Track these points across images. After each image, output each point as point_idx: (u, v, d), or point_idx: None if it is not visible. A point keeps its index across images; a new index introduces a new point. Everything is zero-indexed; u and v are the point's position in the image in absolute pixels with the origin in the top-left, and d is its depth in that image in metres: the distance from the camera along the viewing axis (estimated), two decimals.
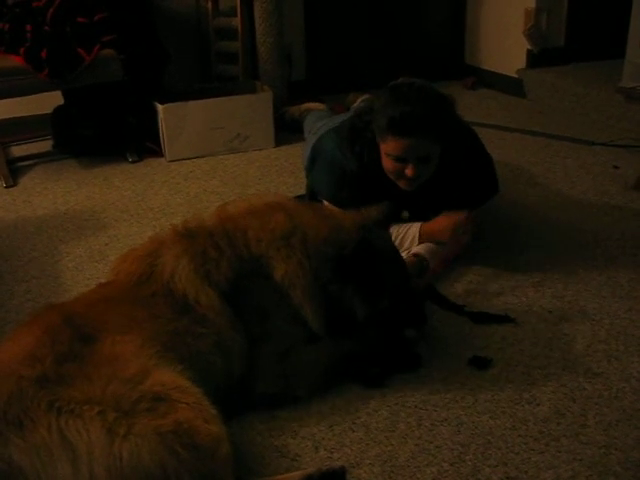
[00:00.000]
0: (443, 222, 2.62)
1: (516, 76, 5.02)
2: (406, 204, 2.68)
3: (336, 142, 2.69)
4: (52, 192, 3.65)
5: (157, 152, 4.07)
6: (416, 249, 2.61)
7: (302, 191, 3.22)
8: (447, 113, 2.51)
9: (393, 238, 2.53)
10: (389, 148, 2.47)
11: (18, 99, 3.92)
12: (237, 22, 4.50)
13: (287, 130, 4.23)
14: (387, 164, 2.52)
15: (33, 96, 3.84)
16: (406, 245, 2.63)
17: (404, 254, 2.54)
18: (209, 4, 4.62)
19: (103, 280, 2.20)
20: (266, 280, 2.01)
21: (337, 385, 2.07)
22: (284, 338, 2.01)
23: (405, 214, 2.71)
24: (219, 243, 2.00)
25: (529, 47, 4.93)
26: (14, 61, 3.64)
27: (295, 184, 3.55)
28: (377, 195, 2.42)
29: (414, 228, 2.64)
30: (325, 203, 2.69)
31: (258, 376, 1.97)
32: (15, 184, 3.76)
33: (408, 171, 2.48)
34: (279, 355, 1.99)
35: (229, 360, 1.93)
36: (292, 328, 2.03)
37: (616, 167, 3.67)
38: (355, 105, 4.00)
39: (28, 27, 3.74)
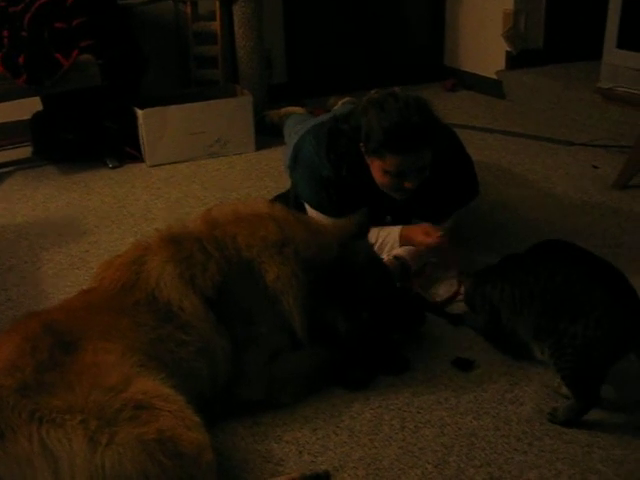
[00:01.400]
0: (420, 235, 2.55)
1: (495, 77, 5.05)
2: (389, 208, 2.66)
3: (313, 146, 2.65)
4: (32, 199, 3.62)
5: (137, 157, 4.05)
6: (396, 251, 2.61)
7: None
8: (434, 117, 2.47)
9: (374, 241, 2.52)
10: (388, 166, 2.40)
11: None
12: (216, 26, 4.49)
13: (267, 134, 4.22)
14: (383, 180, 2.46)
15: (11, 102, 3.81)
16: (386, 249, 2.62)
17: (384, 257, 2.53)
18: (188, 8, 4.61)
19: (85, 287, 2.18)
20: (255, 284, 2.00)
21: (320, 389, 2.07)
22: (269, 344, 2.00)
23: (388, 218, 2.70)
24: (207, 247, 1.98)
25: (508, 49, 4.96)
26: None
27: (276, 188, 3.54)
28: (358, 199, 2.41)
29: (394, 233, 2.62)
30: (306, 205, 2.69)
31: (243, 382, 1.96)
32: None
33: (408, 184, 2.43)
34: (264, 361, 1.98)
35: (213, 367, 1.92)
36: (277, 334, 2.02)
37: (595, 167, 3.70)
38: (336, 108, 4.01)
39: (5, 33, 3.70)
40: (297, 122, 3.62)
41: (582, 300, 1.85)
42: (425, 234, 2.53)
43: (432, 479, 1.76)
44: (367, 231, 2.29)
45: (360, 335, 2.09)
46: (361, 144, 2.48)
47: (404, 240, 2.61)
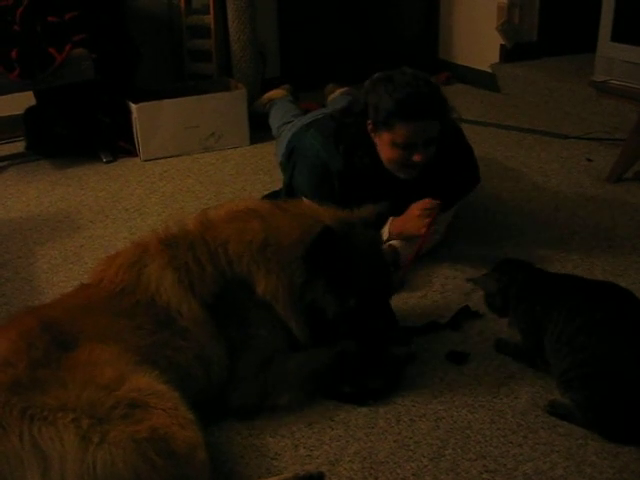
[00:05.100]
0: (409, 214, 2.58)
1: (490, 71, 5.05)
2: (395, 199, 2.62)
3: (319, 141, 2.65)
4: (25, 194, 3.61)
5: (131, 152, 4.04)
6: (392, 242, 2.60)
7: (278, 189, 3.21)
8: (441, 91, 2.54)
9: None
10: (398, 136, 2.44)
11: None
12: (210, 19, 4.47)
13: (260, 128, 4.15)
14: (391, 154, 2.50)
15: (3, 97, 3.79)
16: None
17: None
18: (182, 2, 4.59)
19: (78, 282, 2.17)
20: (250, 294, 1.98)
21: (318, 393, 2.03)
22: (266, 347, 1.97)
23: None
24: (201, 259, 1.97)
25: (502, 42, 4.96)
26: None
27: (270, 182, 3.54)
28: (362, 193, 2.39)
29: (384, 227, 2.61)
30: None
31: (236, 387, 1.94)
32: None
33: (417, 157, 2.47)
34: (257, 365, 1.95)
35: (208, 371, 1.91)
36: (274, 338, 1.99)
37: (589, 160, 3.71)
38: (334, 96, 4.01)
39: None
40: (283, 112, 3.61)
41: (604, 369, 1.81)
42: (411, 226, 2.55)
43: (427, 472, 1.76)
44: (383, 223, 2.28)
45: (348, 322, 2.01)
46: (369, 122, 2.52)
47: (396, 231, 2.60)
